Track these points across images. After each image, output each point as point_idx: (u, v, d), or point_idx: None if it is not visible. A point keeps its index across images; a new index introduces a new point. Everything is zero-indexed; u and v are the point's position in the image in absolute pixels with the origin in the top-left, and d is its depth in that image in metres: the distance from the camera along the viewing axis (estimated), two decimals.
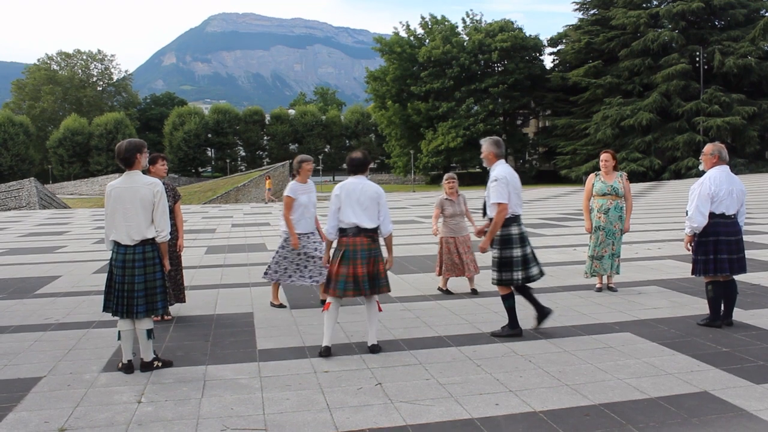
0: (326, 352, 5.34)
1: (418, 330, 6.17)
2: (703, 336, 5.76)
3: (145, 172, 5.66)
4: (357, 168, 5.52)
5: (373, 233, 5.42)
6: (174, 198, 6.84)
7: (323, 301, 5.89)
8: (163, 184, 6.69)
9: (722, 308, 6.07)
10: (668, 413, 4.00)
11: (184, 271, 7.21)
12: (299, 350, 5.56)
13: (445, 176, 8.12)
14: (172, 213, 6.73)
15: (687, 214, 5.98)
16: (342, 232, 5.43)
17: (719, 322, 6.04)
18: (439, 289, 8.07)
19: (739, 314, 6.36)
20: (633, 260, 10.19)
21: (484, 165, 6.02)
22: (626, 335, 5.85)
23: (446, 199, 7.97)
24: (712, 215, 5.86)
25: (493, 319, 6.53)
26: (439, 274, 8.02)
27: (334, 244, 5.56)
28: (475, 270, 7.95)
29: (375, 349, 5.47)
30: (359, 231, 5.36)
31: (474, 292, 7.87)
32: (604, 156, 7.88)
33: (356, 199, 5.37)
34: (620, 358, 5.17)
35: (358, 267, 5.33)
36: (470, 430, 3.81)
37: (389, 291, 5.64)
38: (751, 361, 5.02)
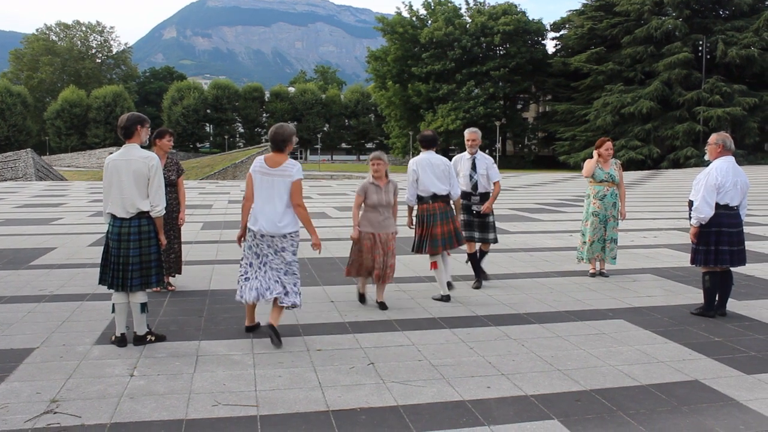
0: (447, 299, 6.54)
1: (413, 311, 6.18)
2: (696, 325, 5.78)
3: (150, 146, 5.66)
4: (429, 143, 6.61)
5: (446, 198, 6.58)
6: (178, 172, 7.02)
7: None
8: (168, 158, 6.80)
9: (716, 298, 6.09)
10: (659, 401, 4.02)
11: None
12: (292, 328, 5.57)
13: (371, 156, 6.40)
14: (176, 187, 6.94)
15: (691, 205, 5.95)
16: (420, 199, 6.57)
17: (713, 311, 6.06)
18: (360, 294, 6.56)
19: (732, 305, 6.38)
20: (628, 248, 10.20)
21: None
22: (619, 322, 5.87)
23: (372, 183, 6.30)
24: (715, 206, 5.83)
25: (488, 302, 6.54)
26: (349, 275, 6.44)
27: (415, 211, 6.65)
28: (390, 278, 6.36)
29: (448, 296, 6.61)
30: (436, 197, 6.52)
31: (382, 306, 6.27)
32: (608, 144, 7.86)
33: (431, 171, 6.48)
34: (613, 344, 5.19)
35: (445, 226, 6.51)
36: (461, 411, 3.82)
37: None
38: (743, 351, 5.04)
